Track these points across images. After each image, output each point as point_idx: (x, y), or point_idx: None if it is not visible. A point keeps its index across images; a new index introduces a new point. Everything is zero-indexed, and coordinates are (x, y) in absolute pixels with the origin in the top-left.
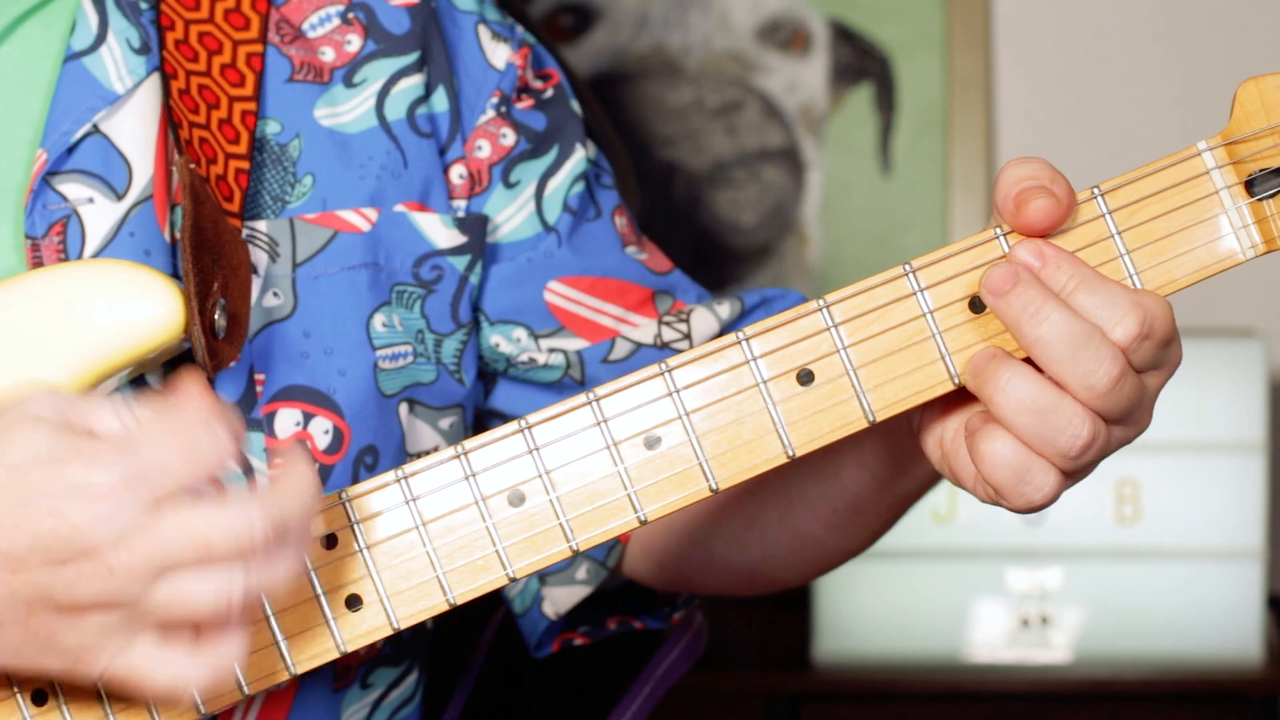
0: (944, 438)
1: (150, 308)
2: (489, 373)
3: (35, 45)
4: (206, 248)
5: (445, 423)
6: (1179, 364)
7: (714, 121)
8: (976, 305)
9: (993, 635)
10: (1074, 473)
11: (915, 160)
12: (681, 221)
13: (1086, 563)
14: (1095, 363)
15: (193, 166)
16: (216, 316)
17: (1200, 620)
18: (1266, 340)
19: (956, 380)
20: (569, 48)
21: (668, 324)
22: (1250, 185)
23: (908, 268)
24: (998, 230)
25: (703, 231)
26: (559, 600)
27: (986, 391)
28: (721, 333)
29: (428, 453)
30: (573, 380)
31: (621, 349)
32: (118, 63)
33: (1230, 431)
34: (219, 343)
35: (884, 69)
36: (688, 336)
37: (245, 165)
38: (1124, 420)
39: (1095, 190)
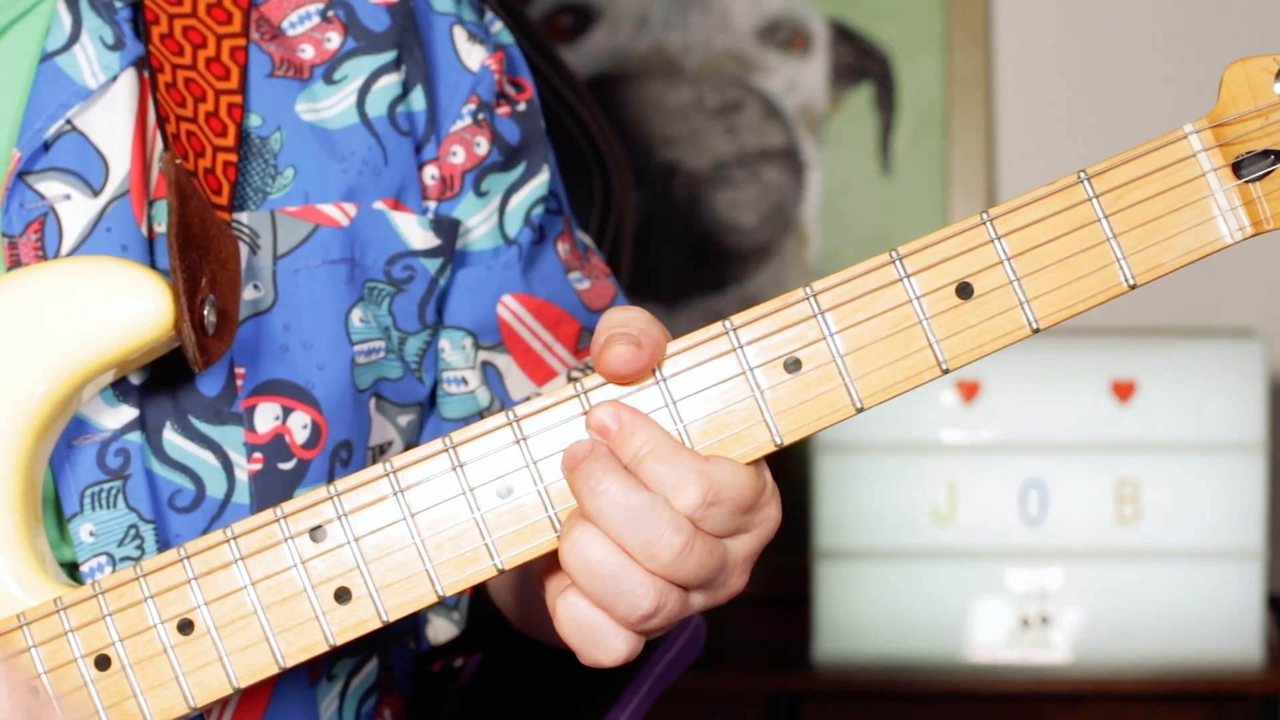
0: (550, 596)
1: (140, 305)
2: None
3: (13, 50)
4: (193, 243)
5: (404, 420)
6: (775, 526)
7: (714, 121)
8: (964, 291)
9: (993, 635)
10: (647, 633)
11: (915, 160)
12: (681, 221)
13: (1086, 563)
14: (656, 533)
15: (179, 162)
16: (206, 312)
17: (1200, 620)
18: (1266, 340)
19: (945, 367)
20: (569, 48)
21: (580, 370)
22: (1238, 168)
23: (894, 254)
24: (985, 215)
25: (703, 231)
26: (438, 630)
27: (560, 547)
28: None
29: (384, 446)
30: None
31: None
32: (91, 59)
33: (1230, 431)
34: (209, 339)
35: (884, 69)
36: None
37: (233, 158)
38: (704, 586)
39: (1082, 174)
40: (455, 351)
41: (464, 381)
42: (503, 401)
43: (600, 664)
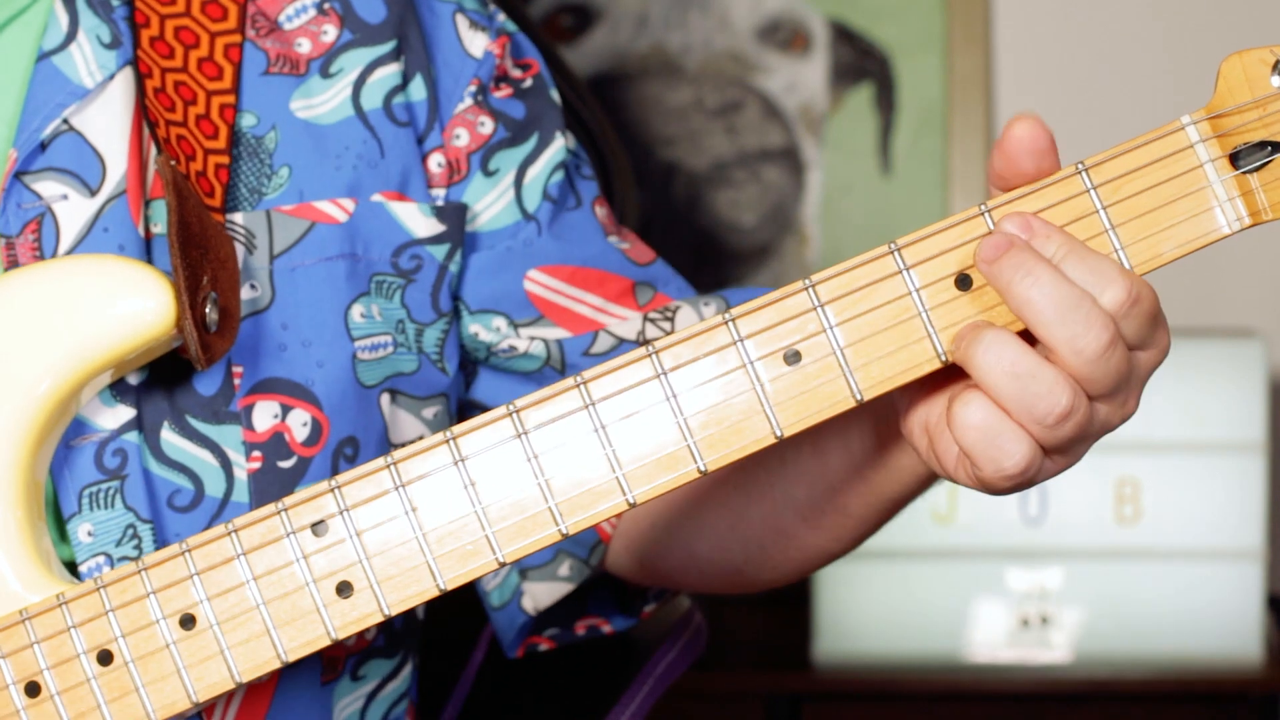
0: (929, 420)
1: (141, 302)
2: (470, 362)
3: (10, 49)
4: (193, 242)
5: (429, 412)
6: (1168, 349)
7: (714, 121)
8: (962, 282)
9: (993, 635)
10: (1053, 449)
11: (915, 160)
12: (681, 221)
13: (1086, 563)
14: (1085, 326)
15: (173, 164)
16: (208, 310)
17: (1200, 620)
18: (1266, 340)
19: (944, 358)
20: (569, 48)
21: (652, 320)
22: (1235, 159)
23: (893, 246)
24: (983, 207)
25: (703, 231)
26: (539, 596)
27: (968, 355)
28: None
29: (411, 443)
30: (553, 370)
31: (604, 343)
32: (87, 59)
33: (1230, 431)
34: (211, 336)
35: (884, 69)
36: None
37: (225, 160)
38: (1110, 395)
39: (1080, 165)
40: (489, 332)
41: (513, 349)
42: (563, 350)
43: (1003, 471)
